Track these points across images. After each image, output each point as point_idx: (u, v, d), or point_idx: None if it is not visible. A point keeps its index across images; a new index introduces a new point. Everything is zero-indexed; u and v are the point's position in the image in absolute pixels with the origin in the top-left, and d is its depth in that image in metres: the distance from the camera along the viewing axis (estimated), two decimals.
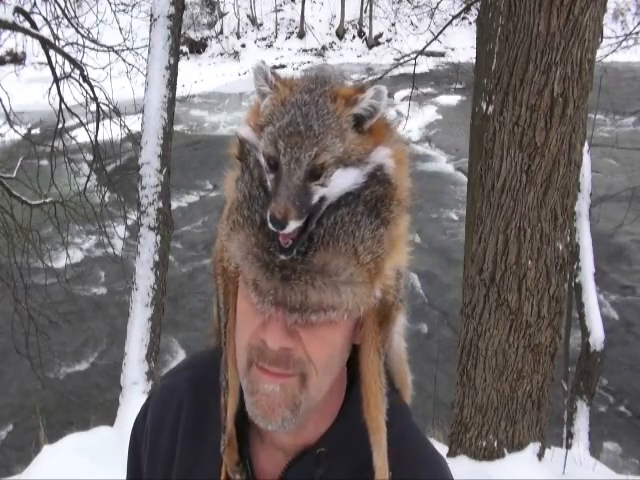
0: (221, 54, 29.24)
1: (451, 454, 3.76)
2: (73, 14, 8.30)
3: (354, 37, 31.18)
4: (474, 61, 6.39)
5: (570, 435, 5.58)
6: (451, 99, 21.99)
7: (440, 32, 7.96)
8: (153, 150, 5.15)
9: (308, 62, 29.16)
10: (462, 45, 24.27)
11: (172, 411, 1.13)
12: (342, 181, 0.85)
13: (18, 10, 7.00)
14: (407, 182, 0.92)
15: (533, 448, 3.66)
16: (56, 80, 7.54)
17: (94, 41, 8.12)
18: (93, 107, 7.63)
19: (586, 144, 4.38)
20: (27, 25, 7.13)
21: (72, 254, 9.53)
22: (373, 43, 30.57)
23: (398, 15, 30.38)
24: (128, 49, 8.03)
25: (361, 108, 0.86)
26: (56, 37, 7.83)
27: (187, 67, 22.69)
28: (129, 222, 7.97)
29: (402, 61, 9.20)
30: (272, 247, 0.85)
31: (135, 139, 6.89)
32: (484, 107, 5.12)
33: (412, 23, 30.03)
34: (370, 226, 0.86)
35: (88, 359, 9.80)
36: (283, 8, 31.96)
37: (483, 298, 3.46)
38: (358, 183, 0.86)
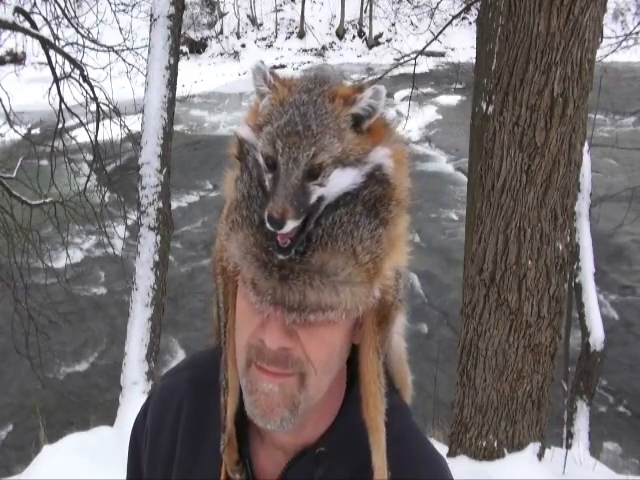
0: (221, 54, 29.25)
1: (451, 454, 3.76)
2: (73, 14, 8.30)
3: (354, 37, 31.19)
4: (474, 61, 6.39)
5: (570, 435, 5.58)
6: (451, 99, 21.99)
7: (440, 32, 7.96)
8: (153, 150, 5.15)
9: (308, 62, 29.16)
10: (462, 45, 24.28)
11: (172, 411, 1.13)
12: (340, 181, 0.85)
13: (18, 10, 7.00)
14: (406, 182, 0.92)
15: (533, 448, 3.66)
16: (56, 80, 7.54)
17: (94, 41, 8.12)
18: (93, 107, 7.63)
19: (586, 144, 4.38)
20: (27, 25, 7.14)
21: (72, 254, 9.53)
22: (373, 43, 30.58)
23: (398, 15, 30.38)
24: (128, 49, 8.03)
25: (359, 108, 0.86)
26: (56, 37, 7.83)
27: (187, 67, 22.69)
28: (129, 222, 7.97)
29: (402, 61, 9.20)
30: (270, 247, 0.85)
31: (135, 139, 6.89)
32: (484, 107, 5.12)
33: (412, 23, 30.03)
34: (369, 226, 0.86)
35: (88, 359, 9.80)
36: (283, 8, 31.97)
37: (483, 298, 3.46)
38: (357, 183, 0.86)
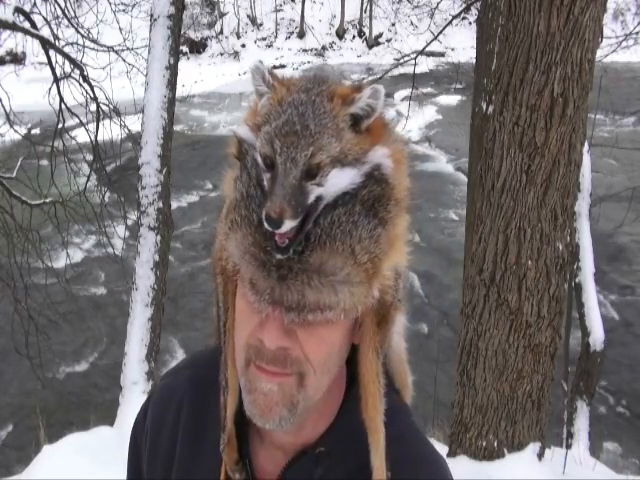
0: (221, 54, 29.24)
1: (451, 454, 3.76)
2: (73, 14, 8.30)
3: (354, 37, 31.19)
4: (474, 61, 6.39)
5: (570, 435, 5.58)
6: (451, 99, 21.99)
7: (440, 32, 7.96)
8: (153, 150, 5.15)
9: (308, 62, 29.16)
10: (462, 45, 24.28)
11: (172, 411, 1.13)
12: (339, 181, 0.85)
13: (18, 10, 7.00)
14: (405, 182, 0.92)
15: (533, 448, 3.67)
16: (56, 80, 7.54)
17: (94, 41, 8.12)
18: (93, 107, 7.63)
19: (586, 144, 4.38)
20: (27, 25, 7.14)
21: (72, 254, 9.53)
22: (373, 43, 30.57)
23: (398, 15, 30.38)
24: (128, 49, 8.04)
25: (358, 107, 0.86)
26: (56, 37, 7.83)
27: (187, 67, 22.69)
28: (129, 222, 7.97)
29: (402, 61, 9.20)
30: (269, 246, 0.85)
31: (135, 139, 6.89)
32: (484, 107, 5.12)
33: (412, 23, 30.03)
34: (367, 226, 0.85)
35: (88, 359, 9.80)
36: (283, 8, 31.97)
37: (483, 298, 3.46)
38: (355, 183, 0.86)
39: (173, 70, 5.28)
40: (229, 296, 1.00)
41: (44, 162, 8.35)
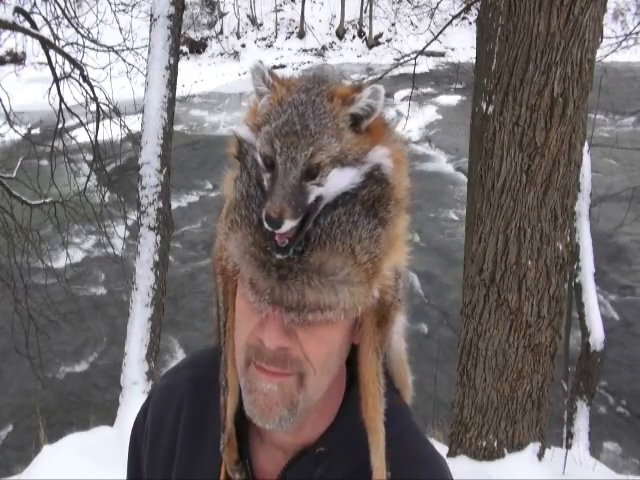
0: (221, 54, 29.24)
1: (451, 454, 3.76)
2: (73, 14, 8.30)
3: (354, 37, 31.18)
4: (474, 61, 6.39)
5: (570, 435, 5.58)
6: (451, 99, 21.99)
7: (440, 32, 7.96)
8: (153, 150, 5.15)
9: (308, 62, 29.16)
10: (462, 45, 24.28)
11: (172, 411, 1.13)
12: (339, 181, 0.85)
13: (18, 10, 7.00)
14: (405, 182, 0.92)
15: (533, 448, 3.66)
16: (56, 80, 7.54)
17: (94, 41, 8.12)
18: (93, 107, 7.63)
19: (586, 144, 4.38)
20: (27, 25, 7.14)
21: (72, 254, 9.53)
22: (373, 43, 30.57)
23: (398, 15, 30.38)
24: (128, 49, 8.03)
25: (358, 107, 0.86)
26: (56, 37, 7.83)
27: (187, 67, 22.68)
28: (129, 222, 7.97)
29: (402, 61, 9.20)
30: (269, 246, 0.85)
31: (135, 139, 6.89)
32: (484, 107, 5.12)
33: (412, 23, 30.03)
34: (367, 226, 0.85)
35: (88, 359, 9.80)
36: (283, 8, 31.96)
37: (483, 298, 3.46)
38: (355, 183, 0.86)
39: (173, 70, 5.28)
40: (229, 296, 1.00)
41: (44, 162, 8.35)
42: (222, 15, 30.43)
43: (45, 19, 7.84)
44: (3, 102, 7.59)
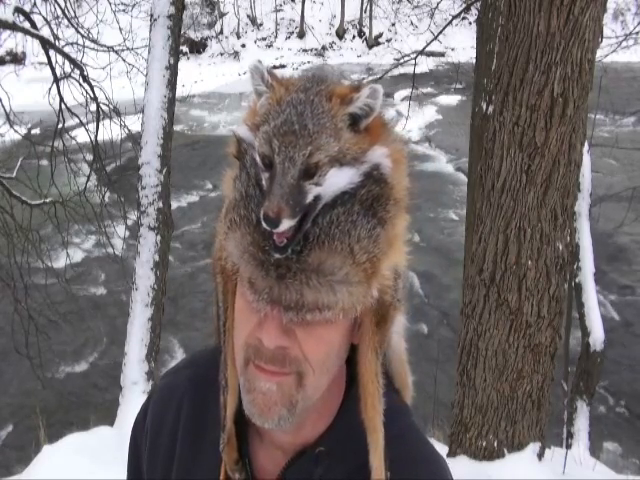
0: (221, 54, 29.24)
1: (451, 454, 3.76)
2: (73, 14, 8.31)
3: (354, 37, 31.19)
4: (474, 61, 6.39)
5: (570, 435, 5.58)
6: (451, 99, 21.99)
7: (440, 32, 7.97)
8: (153, 150, 5.15)
9: (308, 62, 29.16)
10: (462, 45, 24.28)
11: (172, 410, 1.13)
12: (337, 180, 0.85)
13: (18, 10, 7.00)
14: (405, 181, 0.92)
15: (533, 448, 3.66)
16: (56, 80, 7.54)
17: (94, 41, 8.12)
18: (93, 107, 7.63)
19: (586, 144, 4.38)
20: (27, 25, 7.14)
21: (72, 254, 9.53)
22: (373, 43, 30.58)
23: (398, 15, 30.38)
24: (128, 49, 8.03)
25: (356, 107, 0.86)
26: (56, 37, 7.83)
27: (187, 67, 22.68)
28: (129, 222, 7.97)
29: (402, 61, 9.20)
30: (267, 246, 0.85)
31: (135, 139, 6.89)
32: (484, 107, 5.12)
33: (412, 23, 30.03)
34: (366, 225, 0.85)
35: (88, 359, 9.80)
36: (283, 8, 31.97)
37: (483, 298, 3.46)
38: (354, 182, 0.86)
39: (173, 70, 5.28)
40: (229, 295, 1.00)
41: (44, 162, 8.35)
42: (222, 15, 30.43)
43: (45, 19, 7.85)
44: (3, 102, 7.59)
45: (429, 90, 21.72)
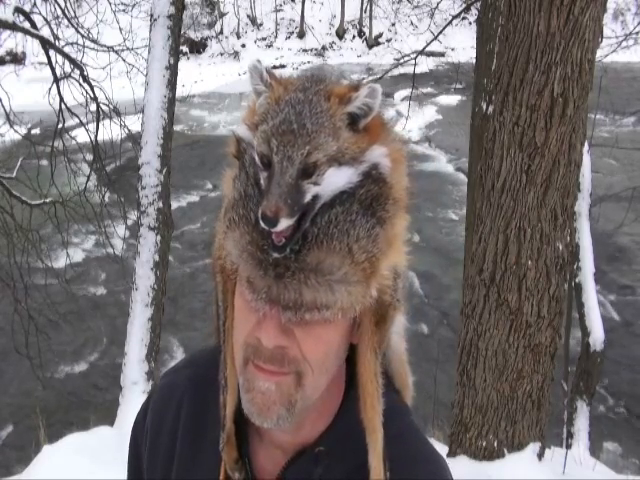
0: (221, 54, 29.25)
1: (451, 454, 3.76)
2: (73, 14, 8.31)
3: (354, 37, 31.20)
4: (474, 61, 6.40)
5: (570, 435, 5.58)
6: (451, 99, 22.00)
7: (440, 32, 7.97)
8: (153, 150, 5.15)
9: (308, 62, 29.17)
10: (462, 45, 24.28)
11: (172, 410, 1.13)
12: (336, 180, 0.85)
13: (18, 10, 7.00)
14: (404, 181, 0.92)
15: (533, 448, 3.66)
16: (56, 80, 7.54)
17: (94, 41, 8.12)
18: (93, 107, 7.63)
19: (586, 144, 4.38)
20: (27, 25, 7.14)
21: (72, 254, 9.53)
22: (373, 43, 30.58)
23: (398, 15, 30.38)
24: (128, 49, 8.04)
25: (355, 107, 0.86)
26: (56, 37, 7.83)
27: (187, 67, 22.69)
28: (129, 222, 7.98)
29: (402, 61, 9.21)
30: (266, 245, 0.85)
31: (135, 139, 6.89)
32: (484, 107, 5.12)
33: (412, 23, 30.04)
34: (365, 225, 0.85)
35: (88, 359, 9.80)
36: (283, 8, 31.97)
37: (483, 298, 3.46)
38: (353, 182, 0.86)
39: (173, 70, 5.28)
40: (228, 295, 1.00)
41: (44, 162, 8.35)
42: (222, 15, 30.44)
43: (45, 19, 7.85)
44: (3, 102, 7.59)
45: (429, 90, 21.72)
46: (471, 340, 3.57)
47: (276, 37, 31.04)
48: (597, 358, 5.43)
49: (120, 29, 8.33)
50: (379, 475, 0.97)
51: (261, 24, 31.28)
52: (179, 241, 12.39)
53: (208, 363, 1.11)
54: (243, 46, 30.01)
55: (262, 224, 0.82)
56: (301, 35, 31.01)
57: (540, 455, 3.72)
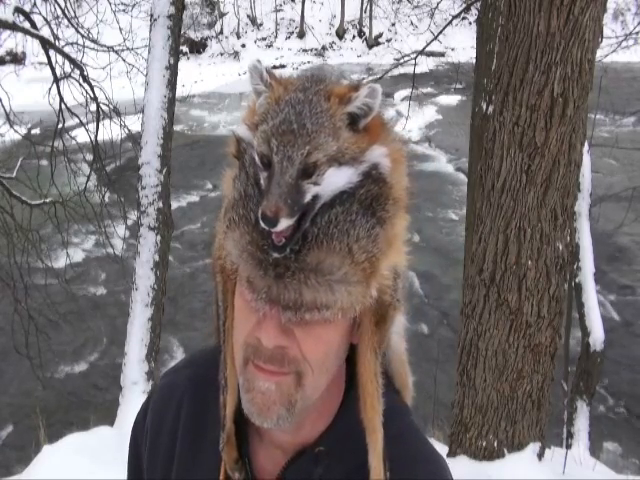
0: (221, 54, 29.25)
1: (451, 454, 3.76)
2: (73, 14, 8.31)
3: (354, 37, 31.20)
4: (474, 61, 6.40)
5: (570, 435, 5.59)
6: (451, 99, 22.00)
7: (440, 32, 7.97)
8: (153, 150, 5.15)
9: (308, 62, 29.17)
10: (462, 45, 24.28)
11: (172, 410, 1.13)
12: (336, 180, 0.85)
13: (18, 10, 7.00)
14: (404, 181, 0.92)
15: (533, 448, 3.66)
16: (56, 80, 7.54)
17: (94, 41, 8.13)
18: (93, 107, 7.64)
19: (586, 144, 4.38)
20: (27, 25, 7.14)
21: (72, 254, 9.53)
22: (373, 43, 30.58)
23: (398, 15, 30.39)
24: (128, 49, 8.04)
25: (355, 107, 0.86)
26: (56, 37, 7.84)
27: (187, 67, 22.69)
28: (129, 222, 7.98)
29: (402, 61, 9.21)
30: (266, 245, 0.85)
31: (135, 139, 6.89)
32: (484, 107, 5.12)
33: (412, 23, 30.04)
34: (365, 225, 0.85)
35: (88, 359, 9.80)
36: (283, 8, 31.98)
37: (483, 298, 3.46)
38: (353, 182, 0.86)
39: (173, 70, 5.28)
40: (228, 295, 1.00)
41: (44, 162, 8.35)
42: (222, 15, 30.44)
43: (45, 19, 7.85)
44: (3, 102, 7.59)
45: (429, 90, 21.72)
46: (471, 340, 3.57)
47: (276, 37, 31.04)
48: (597, 358, 5.43)
49: (120, 29, 8.33)
50: (379, 475, 0.97)
51: (261, 24, 31.28)
52: (179, 241, 12.39)
53: (208, 363, 1.11)
54: (243, 46, 30.01)
55: (262, 224, 0.82)
56: (301, 35, 31.01)
57: (540, 455, 3.72)
